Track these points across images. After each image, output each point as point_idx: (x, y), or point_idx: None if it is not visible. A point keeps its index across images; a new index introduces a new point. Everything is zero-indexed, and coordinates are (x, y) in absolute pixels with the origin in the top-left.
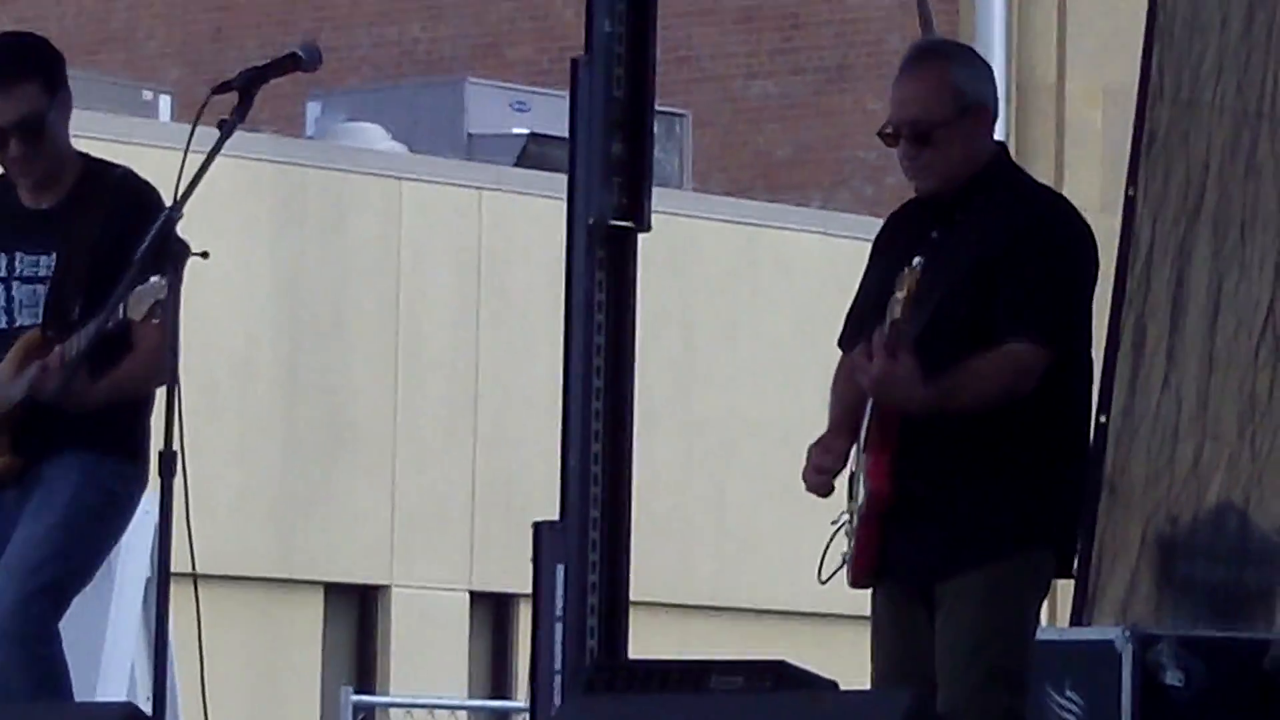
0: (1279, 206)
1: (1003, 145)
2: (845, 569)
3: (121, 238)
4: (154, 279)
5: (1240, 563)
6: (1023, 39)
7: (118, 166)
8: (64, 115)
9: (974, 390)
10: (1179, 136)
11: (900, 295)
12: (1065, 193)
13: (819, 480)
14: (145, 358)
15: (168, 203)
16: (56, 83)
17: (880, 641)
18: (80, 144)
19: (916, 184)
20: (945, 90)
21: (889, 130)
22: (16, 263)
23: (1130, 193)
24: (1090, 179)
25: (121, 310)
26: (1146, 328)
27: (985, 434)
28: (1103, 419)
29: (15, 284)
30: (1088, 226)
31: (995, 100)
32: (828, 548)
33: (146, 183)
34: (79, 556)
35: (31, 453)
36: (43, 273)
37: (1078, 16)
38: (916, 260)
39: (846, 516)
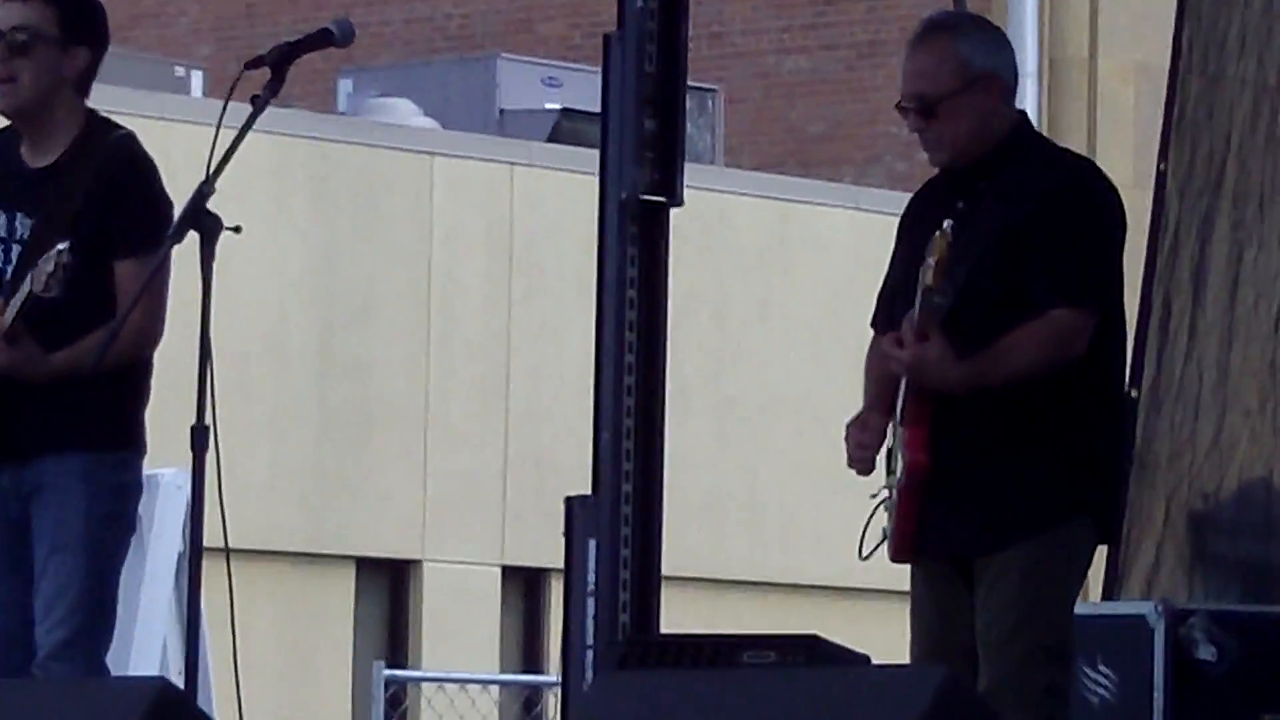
0: None
1: (1024, 114)
2: (885, 544)
3: (107, 204)
4: (58, 247)
5: (1267, 537)
6: (1055, 15)
7: (119, 129)
8: (70, 65)
9: (1017, 361)
10: (1204, 112)
11: (931, 261)
12: None
13: (861, 456)
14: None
15: (200, 178)
16: (75, 30)
17: (920, 618)
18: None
19: (929, 157)
20: (949, 62)
21: (902, 104)
22: (16, 224)
23: (1161, 168)
24: (1122, 155)
25: (30, 282)
26: (1172, 302)
27: (1021, 402)
28: (1133, 394)
29: (14, 246)
30: (1114, 188)
31: (1011, 70)
32: (868, 524)
33: (142, 151)
34: (107, 567)
35: (21, 437)
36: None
37: None
38: (947, 223)
39: (886, 492)
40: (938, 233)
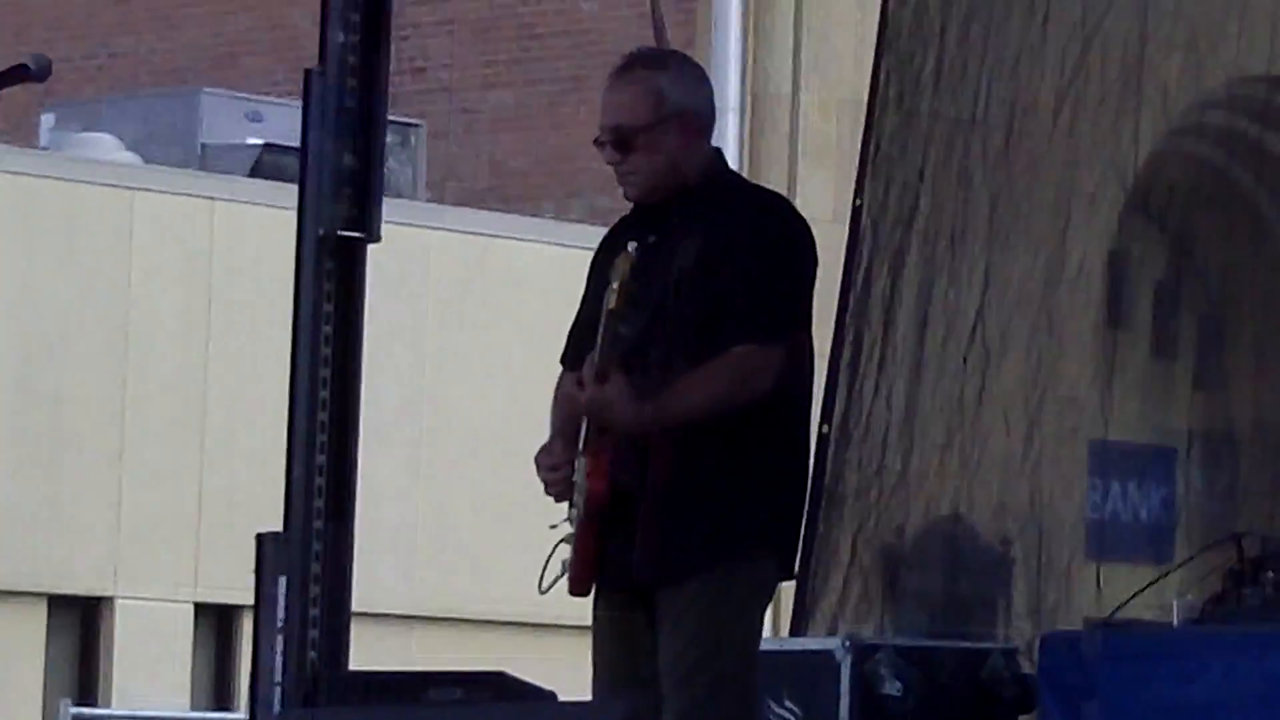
0: (988, 215)
1: (718, 151)
2: (565, 577)
3: None
4: None
5: (954, 571)
6: (758, 49)
7: None
8: None
9: (698, 399)
10: (899, 146)
11: (615, 284)
12: (797, 204)
13: (553, 479)
14: None
15: None
16: None
17: (601, 649)
18: None
19: (624, 190)
20: (647, 97)
21: (599, 138)
22: None
23: (857, 203)
24: (822, 190)
25: None
26: (863, 337)
27: (705, 435)
28: (824, 429)
29: None
30: (805, 223)
31: (708, 106)
32: (550, 557)
33: None
34: None
35: None
36: None
37: (813, 28)
38: (631, 245)
39: (567, 524)
40: (621, 254)
